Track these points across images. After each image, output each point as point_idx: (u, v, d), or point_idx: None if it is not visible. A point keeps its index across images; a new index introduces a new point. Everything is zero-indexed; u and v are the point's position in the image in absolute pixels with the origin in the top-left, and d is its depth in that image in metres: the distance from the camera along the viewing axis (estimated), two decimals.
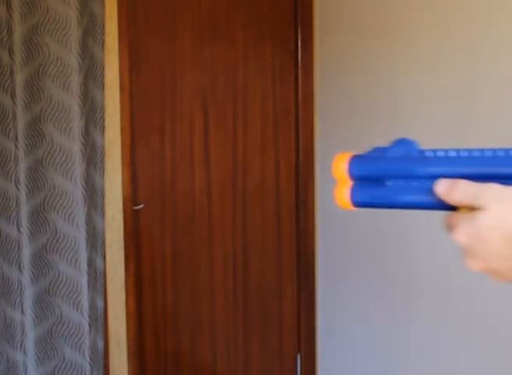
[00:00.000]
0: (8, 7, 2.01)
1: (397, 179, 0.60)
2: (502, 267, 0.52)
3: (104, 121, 2.19)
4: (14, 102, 2.04)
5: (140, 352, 2.47)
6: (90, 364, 2.16)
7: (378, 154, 0.62)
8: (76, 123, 2.08)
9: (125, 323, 2.36)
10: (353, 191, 0.62)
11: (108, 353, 2.33)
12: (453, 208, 0.56)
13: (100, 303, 2.22)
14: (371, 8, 2.32)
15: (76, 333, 2.14)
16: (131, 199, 2.36)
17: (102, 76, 2.17)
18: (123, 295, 2.35)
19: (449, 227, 0.54)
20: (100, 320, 2.22)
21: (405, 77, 2.13)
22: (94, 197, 2.17)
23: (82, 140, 2.09)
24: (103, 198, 2.21)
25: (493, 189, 0.51)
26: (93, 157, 2.17)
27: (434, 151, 0.59)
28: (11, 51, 2.02)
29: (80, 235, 2.11)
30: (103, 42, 2.16)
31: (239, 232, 2.66)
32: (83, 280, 2.12)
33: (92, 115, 2.16)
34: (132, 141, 2.38)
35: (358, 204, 0.62)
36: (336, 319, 2.64)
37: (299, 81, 2.72)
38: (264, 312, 2.75)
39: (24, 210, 2.06)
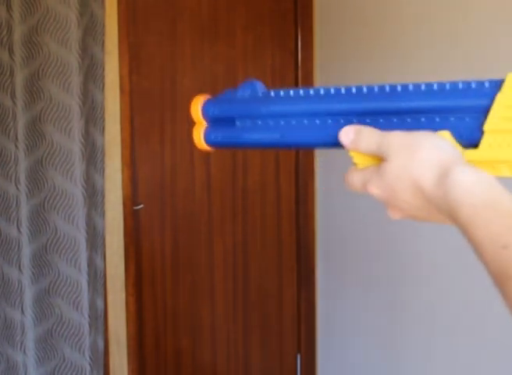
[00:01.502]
0: (8, 7, 2.01)
1: (245, 119, 0.62)
2: (420, 215, 0.52)
3: (104, 121, 2.19)
4: (14, 102, 2.04)
5: (140, 352, 2.47)
6: (90, 364, 2.16)
7: (228, 96, 0.64)
8: (76, 123, 2.08)
9: (125, 323, 2.36)
10: (206, 132, 0.65)
11: (108, 353, 2.33)
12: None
13: (100, 303, 2.22)
14: (371, 8, 2.32)
15: (76, 333, 2.14)
16: (131, 199, 2.36)
17: (102, 76, 2.17)
18: (123, 295, 2.35)
19: (362, 183, 0.54)
20: (100, 320, 2.22)
21: (405, 78, 2.12)
22: (94, 197, 2.17)
23: (82, 140, 2.09)
24: (103, 198, 2.21)
25: (397, 137, 0.51)
26: (93, 157, 2.17)
27: (278, 90, 0.61)
28: (11, 51, 2.02)
29: (79, 235, 2.11)
30: (103, 42, 2.16)
31: (239, 232, 2.66)
32: (83, 280, 2.12)
33: (92, 115, 2.16)
34: (132, 141, 2.38)
35: (212, 143, 0.66)
36: (336, 319, 2.64)
37: (299, 81, 2.72)
38: (264, 312, 2.75)
39: (24, 210, 2.06)
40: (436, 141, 0.49)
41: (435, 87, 0.51)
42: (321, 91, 0.58)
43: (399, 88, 0.53)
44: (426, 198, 0.48)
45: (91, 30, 2.14)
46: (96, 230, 2.19)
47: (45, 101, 2.07)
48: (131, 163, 2.37)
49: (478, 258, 0.46)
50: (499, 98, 0.47)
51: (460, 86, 0.50)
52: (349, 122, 0.56)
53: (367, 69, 2.34)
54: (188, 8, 2.51)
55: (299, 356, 2.81)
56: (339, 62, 2.54)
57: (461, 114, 0.50)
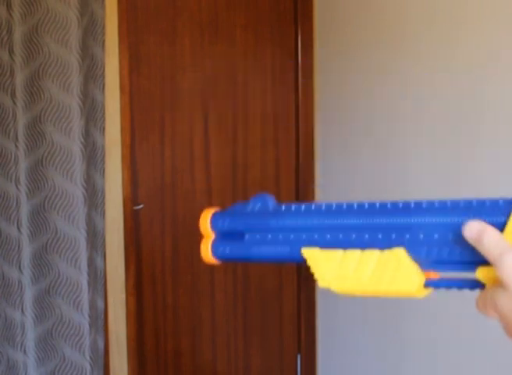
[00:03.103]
0: (9, 7, 2.01)
1: (254, 232, 0.62)
2: None
3: (104, 121, 2.19)
4: (14, 102, 2.04)
5: (140, 352, 2.47)
6: (90, 364, 2.16)
7: (238, 209, 0.64)
8: (76, 123, 2.08)
9: (125, 323, 2.36)
10: (214, 245, 0.66)
11: (108, 353, 2.33)
12: (304, 261, 0.58)
13: (100, 303, 2.22)
14: (371, 8, 2.32)
15: (76, 333, 2.14)
16: (131, 199, 2.36)
17: (103, 76, 2.17)
18: (123, 295, 2.35)
19: (483, 304, 0.50)
20: (100, 320, 2.22)
21: (406, 77, 2.13)
22: (94, 197, 2.17)
23: (82, 140, 2.09)
24: (103, 198, 2.21)
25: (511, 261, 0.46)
26: (93, 157, 2.17)
27: (289, 205, 0.61)
28: (11, 51, 2.02)
29: (80, 235, 2.11)
30: (103, 42, 2.16)
31: None
32: (84, 280, 2.12)
33: (92, 115, 2.16)
34: (132, 141, 2.38)
35: (220, 257, 0.65)
36: (336, 320, 2.64)
37: (299, 81, 2.72)
38: (264, 312, 2.75)
39: (24, 210, 2.06)
40: None
41: (449, 204, 0.52)
42: (333, 207, 0.57)
43: (412, 205, 0.53)
44: None
45: (91, 30, 2.14)
46: (96, 230, 2.19)
47: (45, 101, 2.07)
48: (131, 163, 2.37)
49: None
50: None
51: (475, 203, 0.51)
52: (361, 237, 0.55)
53: (367, 69, 2.34)
54: (188, 8, 2.51)
55: (299, 356, 2.81)
56: (339, 62, 2.54)
57: None
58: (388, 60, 2.21)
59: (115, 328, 2.34)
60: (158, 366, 2.54)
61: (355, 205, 0.56)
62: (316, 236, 0.57)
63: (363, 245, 0.55)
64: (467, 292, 0.53)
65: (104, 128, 2.19)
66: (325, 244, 0.57)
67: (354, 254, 0.55)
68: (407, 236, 0.53)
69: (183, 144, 2.52)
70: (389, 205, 0.54)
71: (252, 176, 2.67)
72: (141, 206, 2.43)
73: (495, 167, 1.74)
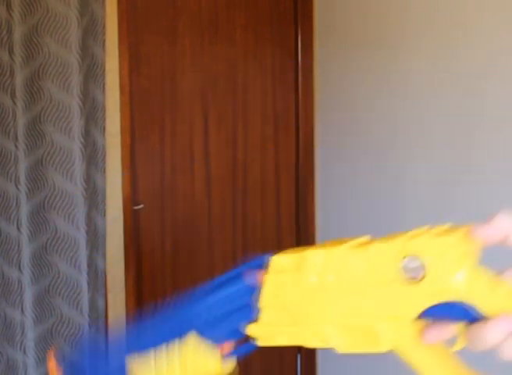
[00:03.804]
0: (8, 7, 2.01)
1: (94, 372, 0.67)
2: None
3: (105, 121, 2.19)
4: (14, 102, 2.04)
5: None
6: None
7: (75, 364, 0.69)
8: (76, 123, 2.08)
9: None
10: None
11: None
12: None
13: (100, 303, 2.22)
14: (372, 8, 2.32)
15: (76, 333, 2.14)
16: (131, 199, 2.36)
17: (103, 76, 2.17)
18: (123, 295, 2.35)
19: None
20: (100, 320, 2.22)
21: (406, 77, 2.13)
22: (94, 197, 2.17)
23: (82, 140, 2.09)
24: (103, 197, 2.21)
25: None
26: (93, 157, 2.17)
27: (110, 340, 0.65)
28: (11, 51, 2.02)
29: (79, 235, 2.11)
30: (104, 42, 2.16)
31: (239, 232, 2.66)
32: (83, 280, 2.12)
33: (93, 115, 2.16)
34: (132, 141, 2.38)
35: None
36: None
37: (299, 81, 2.72)
38: None
39: (24, 210, 2.06)
40: None
41: (221, 279, 0.56)
42: (136, 328, 0.62)
43: (192, 293, 0.59)
44: None
45: (91, 30, 2.14)
46: (96, 230, 2.19)
47: (45, 101, 2.07)
48: (131, 163, 2.37)
49: None
50: (267, 279, 0.52)
51: (231, 274, 0.55)
52: (165, 337, 0.60)
53: (367, 69, 2.34)
54: (188, 8, 2.51)
55: (299, 356, 2.81)
56: (339, 62, 2.54)
57: (240, 300, 0.55)
58: (388, 60, 2.20)
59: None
60: None
61: (155, 316, 0.61)
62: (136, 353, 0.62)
63: (169, 343, 0.59)
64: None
65: (104, 128, 2.19)
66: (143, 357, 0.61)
67: (162, 355, 0.59)
68: (197, 321, 0.57)
69: (183, 144, 2.52)
70: (176, 303, 0.60)
71: (252, 176, 2.67)
72: (141, 206, 2.43)
73: (495, 167, 1.74)
